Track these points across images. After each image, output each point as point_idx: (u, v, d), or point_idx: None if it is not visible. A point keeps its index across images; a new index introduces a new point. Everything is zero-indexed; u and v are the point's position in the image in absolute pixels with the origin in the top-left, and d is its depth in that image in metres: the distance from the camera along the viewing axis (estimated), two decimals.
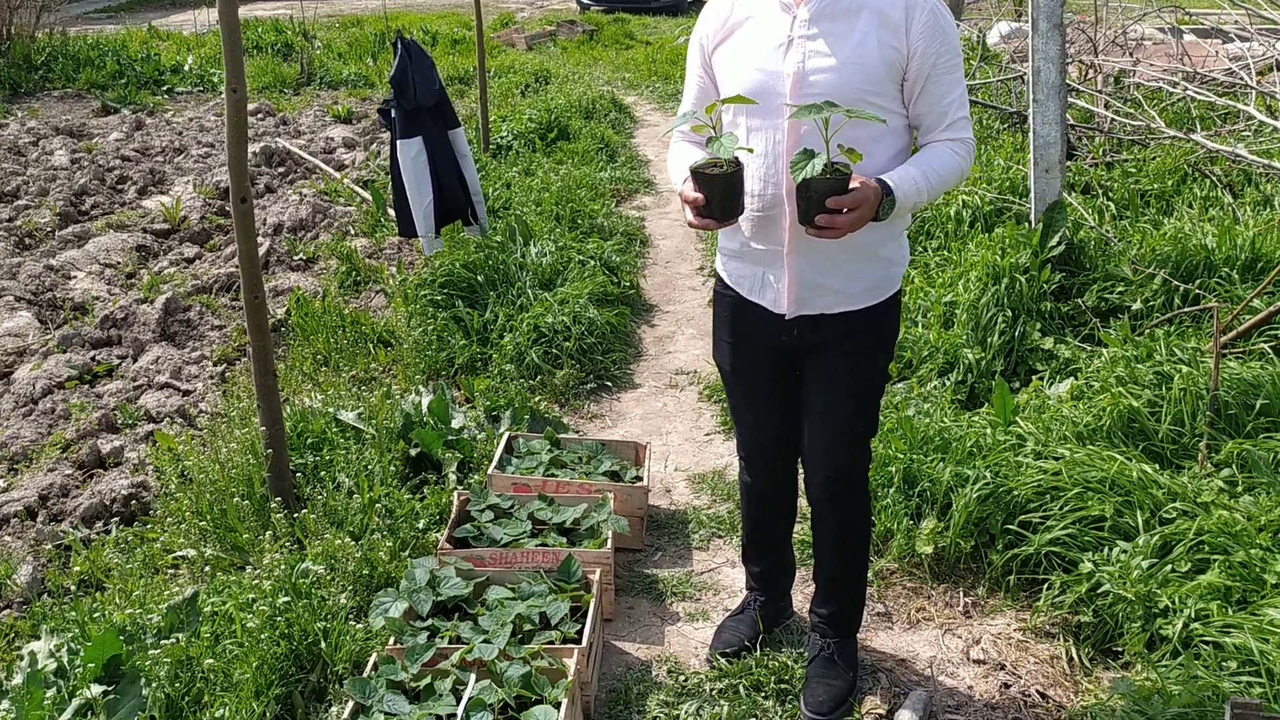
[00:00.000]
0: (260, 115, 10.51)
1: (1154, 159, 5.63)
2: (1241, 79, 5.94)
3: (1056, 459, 3.34)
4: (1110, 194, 5.22)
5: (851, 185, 2.18)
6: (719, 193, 2.22)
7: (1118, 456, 3.26)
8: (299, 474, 3.77)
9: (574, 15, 18.09)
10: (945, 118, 2.36)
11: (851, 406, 2.58)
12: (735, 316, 2.62)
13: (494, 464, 3.67)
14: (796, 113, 2.14)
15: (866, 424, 2.63)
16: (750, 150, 2.34)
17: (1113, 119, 6.08)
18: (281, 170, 8.62)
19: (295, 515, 3.41)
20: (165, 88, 12.15)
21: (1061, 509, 3.15)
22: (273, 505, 3.46)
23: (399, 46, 5.55)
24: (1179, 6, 6.96)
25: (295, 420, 4.02)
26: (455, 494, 3.50)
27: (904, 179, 2.29)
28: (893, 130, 2.36)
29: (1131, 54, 8.23)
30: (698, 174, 2.24)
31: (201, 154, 9.02)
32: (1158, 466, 3.32)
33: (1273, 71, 6.97)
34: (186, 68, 12.74)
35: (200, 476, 3.67)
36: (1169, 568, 2.90)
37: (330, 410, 4.06)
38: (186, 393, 4.67)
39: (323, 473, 3.80)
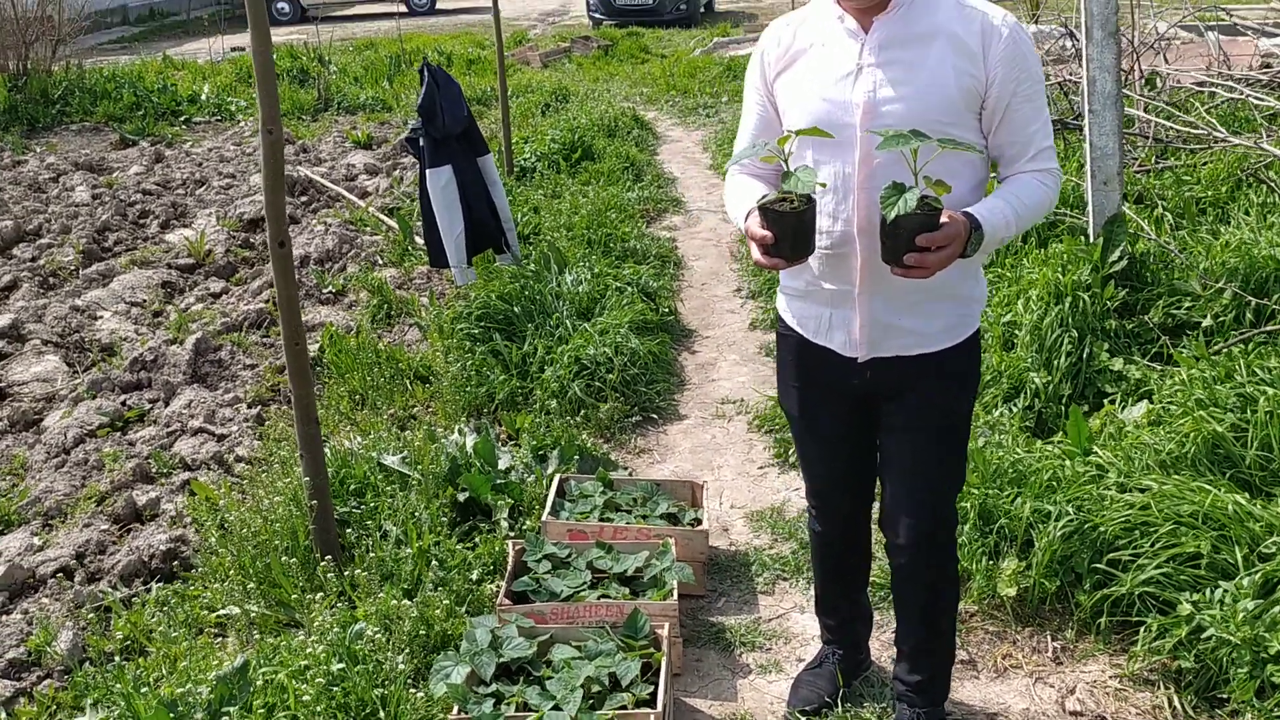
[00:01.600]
0: None
1: (1205, 164, 5.45)
2: None
3: (1142, 491, 3.17)
4: (1165, 203, 5.04)
5: (941, 220, 2.03)
6: (790, 230, 2.08)
7: (1209, 488, 3.09)
8: (343, 524, 3.64)
9: (587, 31, 17.99)
10: (1029, 149, 2.22)
11: (935, 459, 2.41)
12: (801, 360, 2.48)
13: (547, 509, 3.52)
14: (883, 143, 2.00)
15: (952, 478, 2.46)
16: (824, 185, 2.20)
17: (1157, 123, 5.90)
18: (304, 200, 8.52)
19: (344, 571, 3.27)
20: (183, 118, 12.09)
21: (1153, 546, 2.98)
22: (319, 559, 3.32)
23: (425, 74, 5.43)
24: (1217, 4, 6.77)
25: (336, 465, 3.89)
26: (509, 543, 3.36)
27: (992, 212, 2.14)
28: (971, 161, 2.22)
29: (1163, 54, 8.04)
30: (767, 211, 2.10)
31: (223, 185, 8.93)
32: (1248, 496, 3.15)
33: None
34: (203, 97, 12.68)
35: (241, 530, 3.54)
36: (1277, 608, 2.72)
37: (373, 455, 3.92)
38: (222, 438, 4.55)
39: (368, 521, 3.66)
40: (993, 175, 2.36)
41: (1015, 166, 2.25)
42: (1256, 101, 5.24)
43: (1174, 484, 3.14)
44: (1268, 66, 8.64)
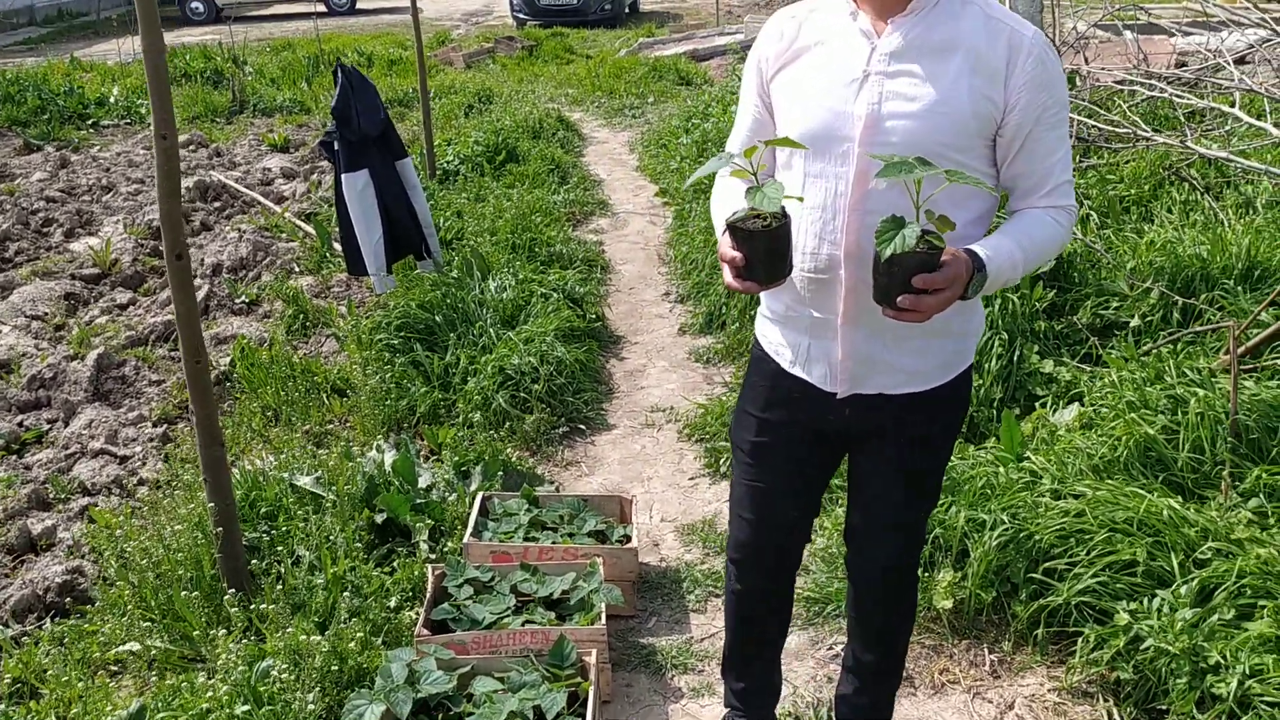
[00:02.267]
0: (192, 147, 10.07)
1: (1128, 163, 5.47)
2: (1215, 76, 5.81)
3: (1076, 497, 3.12)
4: (1090, 202, 5.04)
5: (942, 259, 1.79)
6: (762, 251, 1.86)
7: (1143, 493, 3.04)
8: (253, 549, 3.44)
9: (511, 31, 17.78)
10: (1046, 182, 1.97)
11: (913, 496, 2.24)
12: (774, 388, 2.21)
13: (469, 530, 3.37)
14: (883, 171, 1.75)
15: (928, 504, 2.31)
16: (800, 200, 1.97)
17: (1079, 121, 5.92)
18: (218, 205, 8.22)
19: (252, 602, 3.08)
20: (90, 121, 11.64)
21: (1089, 554, 2.92)
22: (226, 590, 3.13)
23: (339, 75, 5.23)
24: (1135, 4, 6.83)
25: (246, 487, 3.69)
26: (429, 567, 3.20)
27: (998, 252, 1.90)
28: (979, 192, 1.97)
29: (1082, 54, 8.12)
30: (736, 229, 1.88)
31: (131, 191, 8.59)
32: (1181, 499, 3.11)
33: (1229, 67, 6.88)
34: (112, 100, 12.23)
35: (142, 560, 3.33)
36: (1214, 616, 2.68)
37: (284, 476, 3.72)
38: (124, 459, 4.31)
39: (279, 546, 3.47)
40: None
41: (1028, 201, 2.01)
42: (1178, 100, 5.26)
43: (1108, 489, 3.10)
44: (1183, 65, 8.79)
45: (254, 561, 3.38)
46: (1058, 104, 1.94)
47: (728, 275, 1.93)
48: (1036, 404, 3.84)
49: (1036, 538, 3.02)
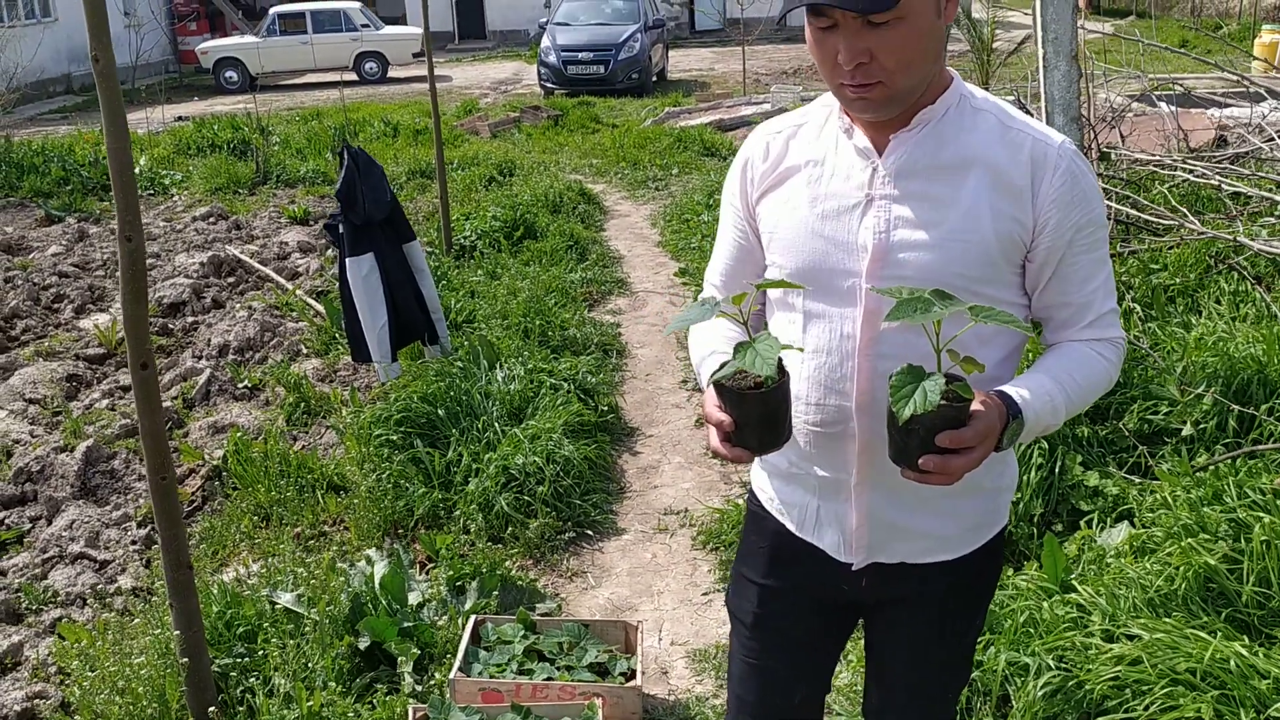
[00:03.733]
0: (212, 219, 10.00)
1: (1172, 248, 5.18)
2: (1257, 152, 5.53)
3: (1131, 638, 2.80)
4: (1133, 292, 4.75)
5: (971, 408, 1.52)
6: (755, 417, 1.57)
7: (1206, 637, 2.71)
8: (225, 676, 3.17)
9: (538, 100, 17.80)
10: (1087, 312, 1.70)
11: (942, 675, 1.93)
12: (776, 552, 1.90)
13: (458, 661, 3.08)
14: (893, 312, 1.46)
15: (958, 686, 2.00)
16: (800, 350, 1.70)
17: (1115, 209, 5.64)
18: (232, 280, 8.08)
19: None
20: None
21: (1147, 710, 2.59)
22: None
23: (345, 157, 5.06)
24: (1171, 75, 6.59)
25: (224, 604, 3.43)
26: (411, 707, 2.91)
27: (1036, 395, 1.61)
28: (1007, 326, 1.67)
29: (1118, 128, 7.87)
30: (725, 390, 1.58)
31: (146, 264, 8.46)
32: (1247, 640, 2.78)
33: (1276, 140, 6.59)
34: (137, 170, 12.20)
35: (106, 687, 3.06)
36: None
37: (264, 594, 3.46)
38: (103, 565, 4.06)
39: (255, 672, 3.20)
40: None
41: (1067, 333, 1.73)
42: (1228, 188, 4.98)
43: (1166, 631, 2.77)
44: (1223, 142, 8.52)
45: (226, 691, 3.11)
46: (1093, 223, 1.66)
47: (714, 440, 1.62)
48: (1081, 521, 3.52)
49: (1088, 686, 2.70)
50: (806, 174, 1.72)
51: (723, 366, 1.59)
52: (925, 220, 1.63)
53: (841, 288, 1.68)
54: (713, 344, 1.81)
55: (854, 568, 1.81)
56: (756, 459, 1.89)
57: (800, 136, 1.76)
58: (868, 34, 1.54)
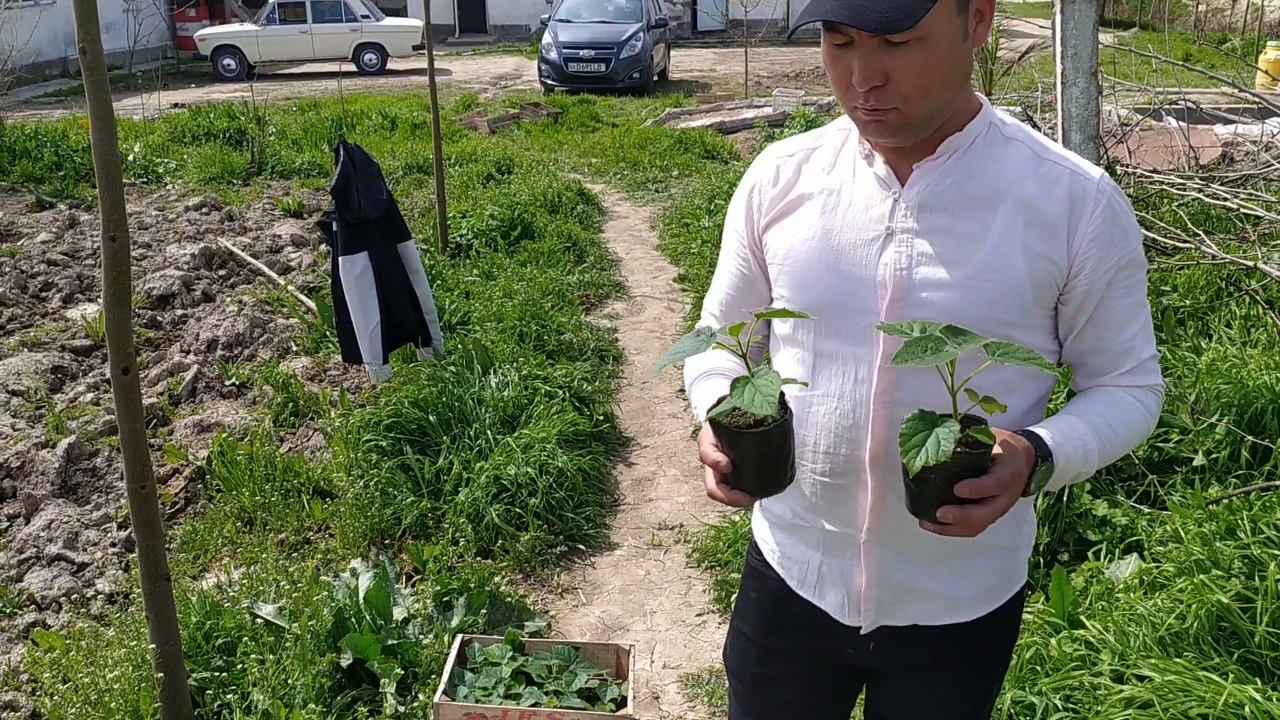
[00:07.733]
0: (205, 210, 9.87)
1: (1182, 269, 5.09)
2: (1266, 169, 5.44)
3: (1142, 679, 2.70)
4: None
5: (993, 453, 1.39)
6: (754, 458, 1.44)
7: (1220, 680, 2.62)
8: (202, 690, 3.07)
9: (538, 97, 17.67)
10: (1125, 359, 1.57)
11: None
12: (775, 611, 1.76)
13: (443, 684, 2.97)
14: (900, 354, 1.33)
15: None
16: (805, 385, 1.58)
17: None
18: (223, 273, 7.96)
19: None
20: None
21: None
22: None
23: (340, 153, 4.95)
24: (1181, 89, 6.50)
25: (204, 614, 3.32)
26: None
27: (1067, 438, 1.48)
28: (1036, 371, 1.57)
29: (1123, 141, 7.78)
30: (721, 428, 1.46)
31: (136, 255, 8.34)
32: (1260, 682, 2.69)
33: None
34: (131, 157, 12.09)
35: (77, 700, 2.95)
36: None
37: (245, 605, 3.35)
38: (81, 567, 3.95)
39: (234, 687, 3.09)
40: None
41: (1102, 379, 1.60)
42: (1248, 212, 4.89)
43: (1178, 672, 2.67)
44: (1229, 156, 8.44)
45: (203, 705, 3.01)
46: (1134, 263, 1.53)
47: (710, 482, 1.49)
48: (1089, 551, 3.43)
49: None
50: (820, 202, 1.60)
51: (719, 402, 1.47)
52: (950, 258, 1.50)
53: (857, 327, 1.55)
54: (711, 381, 1.68)
55: (862, 631, 1.68)
56: (758, 506, 1.78)
57: (814, 161, 1.64)
58: (884, 55, 1.42)
